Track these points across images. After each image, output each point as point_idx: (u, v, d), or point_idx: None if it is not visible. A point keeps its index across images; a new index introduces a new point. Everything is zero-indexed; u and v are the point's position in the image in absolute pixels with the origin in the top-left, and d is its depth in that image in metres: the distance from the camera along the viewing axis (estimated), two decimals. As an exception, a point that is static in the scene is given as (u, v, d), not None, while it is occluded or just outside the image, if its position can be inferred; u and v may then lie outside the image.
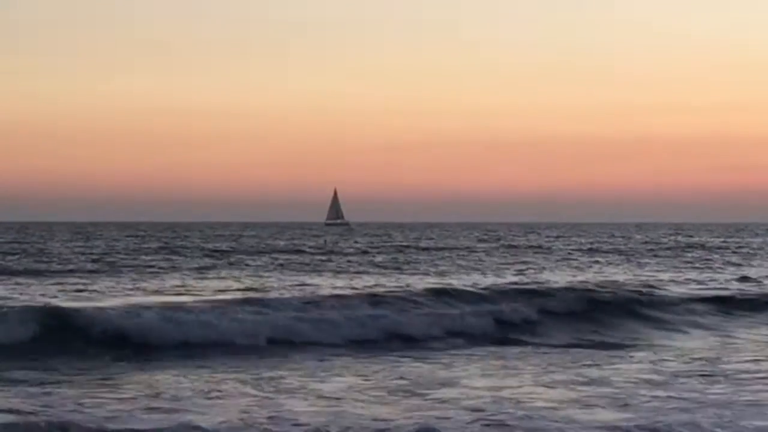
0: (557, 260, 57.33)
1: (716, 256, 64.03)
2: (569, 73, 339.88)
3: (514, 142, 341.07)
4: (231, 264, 51.80)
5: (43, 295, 30.79)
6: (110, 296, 30.77)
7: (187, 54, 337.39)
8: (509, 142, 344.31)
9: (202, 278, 40.04)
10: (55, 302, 26.97)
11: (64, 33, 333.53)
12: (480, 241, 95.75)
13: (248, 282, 37.69)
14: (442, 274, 44.26)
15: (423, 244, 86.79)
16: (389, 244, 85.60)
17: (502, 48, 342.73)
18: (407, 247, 78.23)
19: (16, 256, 57.03)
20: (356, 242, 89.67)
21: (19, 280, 37.69)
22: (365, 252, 68.19)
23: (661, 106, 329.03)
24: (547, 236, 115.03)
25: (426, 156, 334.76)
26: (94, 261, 52.75)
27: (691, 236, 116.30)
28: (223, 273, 43.81)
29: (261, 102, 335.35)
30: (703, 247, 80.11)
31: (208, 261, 54.41)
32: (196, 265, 49.63)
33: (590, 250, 73.15)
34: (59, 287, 34.37)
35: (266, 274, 43.65)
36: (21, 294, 31.13)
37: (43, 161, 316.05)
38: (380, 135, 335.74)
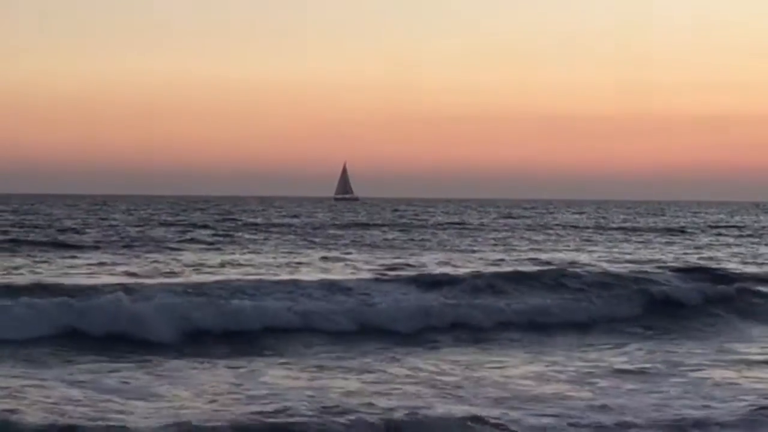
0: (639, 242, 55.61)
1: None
2: (578, 51, 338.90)
3: (526, 118, 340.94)
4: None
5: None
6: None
7: (200, 31, 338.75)
8: (522, 119, 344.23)
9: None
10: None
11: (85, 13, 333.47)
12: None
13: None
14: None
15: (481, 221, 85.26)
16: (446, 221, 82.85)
17: (511, 26, 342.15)
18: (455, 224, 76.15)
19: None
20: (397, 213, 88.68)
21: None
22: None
23: (681, 85, 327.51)
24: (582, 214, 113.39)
25: (436, 131, 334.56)
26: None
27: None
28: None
29: (272, 76, 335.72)
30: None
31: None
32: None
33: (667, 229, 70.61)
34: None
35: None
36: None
37: (64, 134, 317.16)
38: (390, 110, 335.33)
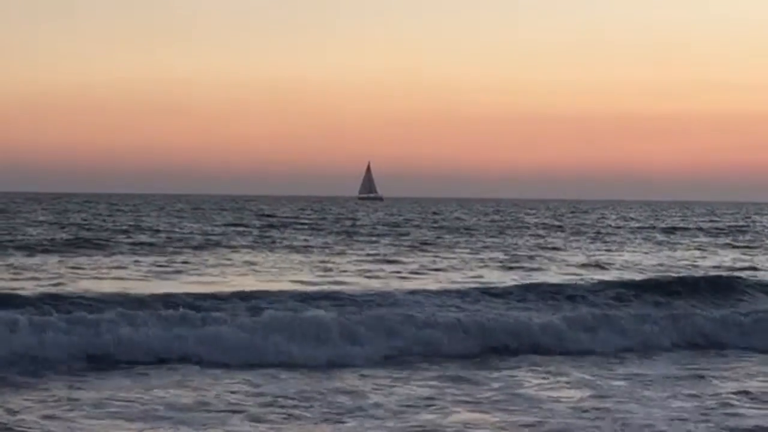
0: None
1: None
2: (609, 50, 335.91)
3: (553, 118, 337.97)
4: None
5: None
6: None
7: (226, 29, 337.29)
8: (550, 119, 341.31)
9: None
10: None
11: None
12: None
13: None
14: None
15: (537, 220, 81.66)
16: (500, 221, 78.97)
17: (547, 25, 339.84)
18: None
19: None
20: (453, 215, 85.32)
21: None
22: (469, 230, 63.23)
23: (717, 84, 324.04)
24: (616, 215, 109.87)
25: (460, 130, 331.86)
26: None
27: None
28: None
29: (295, 75, 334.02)
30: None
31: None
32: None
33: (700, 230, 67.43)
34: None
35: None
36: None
37: (91, 133, 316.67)
38: (414, 109, 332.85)
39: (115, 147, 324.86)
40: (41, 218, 65.66)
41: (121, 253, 35.45)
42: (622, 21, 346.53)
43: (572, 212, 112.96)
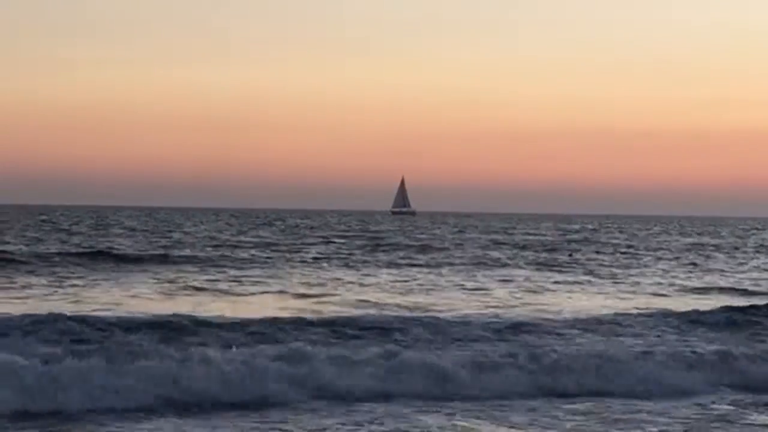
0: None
1: None
2: (645, 69, 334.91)
3: (586, 133, 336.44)
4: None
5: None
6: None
7: (256, 45, 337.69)
8: (582, 134, 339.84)
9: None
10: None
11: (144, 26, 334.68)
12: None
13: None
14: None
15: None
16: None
17: (580, 42, 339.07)
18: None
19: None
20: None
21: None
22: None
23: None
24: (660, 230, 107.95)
25: (494, 146, 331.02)
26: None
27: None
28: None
29: (331, 91, 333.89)
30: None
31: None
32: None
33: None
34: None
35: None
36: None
37: (117, 147, 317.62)
38: (448, 125, 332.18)
39: (150, 161, 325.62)
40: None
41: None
42: (656, 40, 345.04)
43: (620, 230, 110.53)
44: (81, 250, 44.65)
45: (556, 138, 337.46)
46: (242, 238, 65.65)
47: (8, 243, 49.38)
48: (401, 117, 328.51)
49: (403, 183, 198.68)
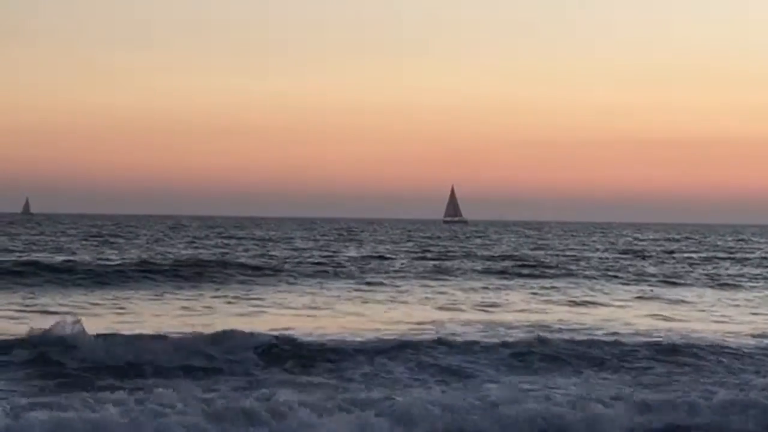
0: None
1: None
2: (698, 73, 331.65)
3: (635, 140, 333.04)
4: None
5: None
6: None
7: (310, 53, 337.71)
8: (631, 141, 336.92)
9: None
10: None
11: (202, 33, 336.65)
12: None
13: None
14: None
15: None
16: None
17: (635, 48, 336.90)
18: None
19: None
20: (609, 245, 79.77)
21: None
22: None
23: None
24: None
25: (543, 154, 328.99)
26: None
27: None
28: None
29: (380, 100, 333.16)
30: None
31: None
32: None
33: None
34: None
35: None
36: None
37: (176, 155, 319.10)
38: (498, 132, 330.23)
39: (196, 170, 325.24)
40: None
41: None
42: (716, 45, 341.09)
43: (684, 237, 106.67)
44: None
45: (610, 145, 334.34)
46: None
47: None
48: (452, 126, 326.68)
49: (453, 192, 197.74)
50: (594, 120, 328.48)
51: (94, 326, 18.40)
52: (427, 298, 29.34)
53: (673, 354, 17.91)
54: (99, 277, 31.94)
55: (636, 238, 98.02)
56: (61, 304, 24.82)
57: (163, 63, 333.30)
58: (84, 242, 62.35)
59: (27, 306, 24.48)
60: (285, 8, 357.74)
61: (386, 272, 39.11)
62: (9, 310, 23.45)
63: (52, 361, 15.64)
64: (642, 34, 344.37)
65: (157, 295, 27.70)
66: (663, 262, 52.68)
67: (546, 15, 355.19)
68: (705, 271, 45.46)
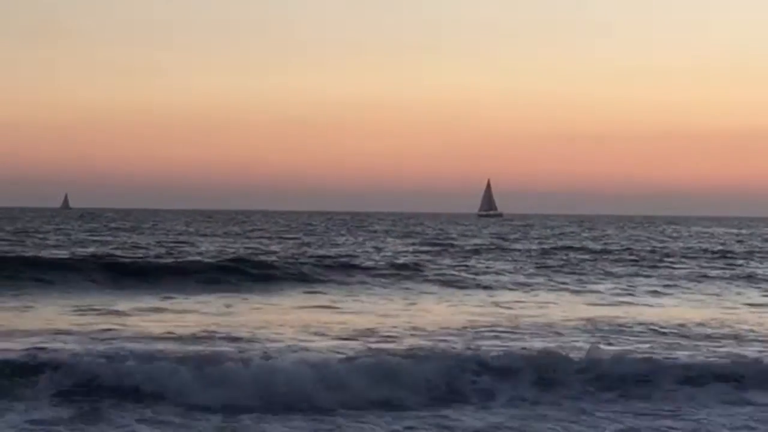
0: None
1: None
2: (734, 70, 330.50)
3: (679, 135, 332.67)
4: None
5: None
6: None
7: (339, 51, 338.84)
8: (670, 136, 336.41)
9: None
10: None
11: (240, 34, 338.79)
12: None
13: None
14: None
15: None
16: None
17: (674, 45, 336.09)
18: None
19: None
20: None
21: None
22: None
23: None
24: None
25: (580, 148, 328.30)
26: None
27: None
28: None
29: (416, 94, 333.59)
30: None
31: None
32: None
33: None
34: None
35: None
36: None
37: (217, 150, 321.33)
38: (535, 126, 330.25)
39: (238, 165, 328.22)
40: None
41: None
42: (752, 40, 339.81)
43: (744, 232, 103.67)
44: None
45: (645, 140, 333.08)
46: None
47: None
48: (488, 119, 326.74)
49: (489, 186, 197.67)
50: (635, 114, 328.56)
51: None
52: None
53: None
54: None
55: (710, 234, 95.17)
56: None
57: (199, 61, 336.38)
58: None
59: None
60: (308, 7, 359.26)
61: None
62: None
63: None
64: (685, 31, 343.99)
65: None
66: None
67: (580, 12, 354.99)
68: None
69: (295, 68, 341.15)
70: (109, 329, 18.84)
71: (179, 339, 17.63)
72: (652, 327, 21.19)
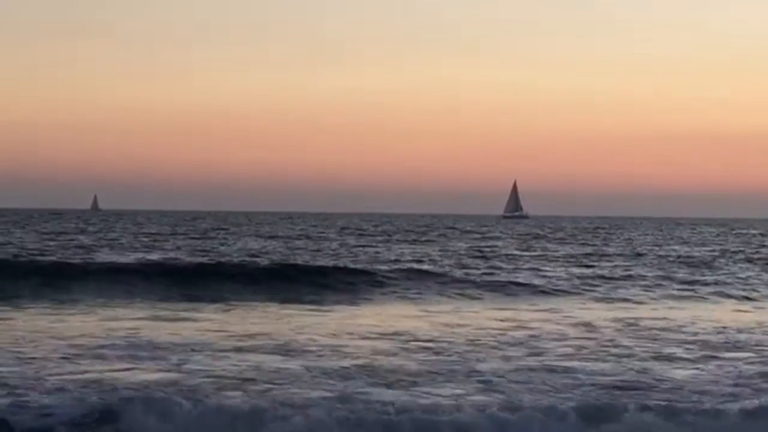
0: None
1: None
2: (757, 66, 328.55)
3: (702, 136, 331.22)
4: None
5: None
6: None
7: (370, 51, 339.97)
8: (698, 137, 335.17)
9: None
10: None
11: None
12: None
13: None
14: None
15: None
16: None
17: (698, 43, 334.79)
18: None
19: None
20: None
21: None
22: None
23: None
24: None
25: (610, 149, 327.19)
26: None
27: None
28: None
29: (440, 93, 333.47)
30: None
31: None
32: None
33: None
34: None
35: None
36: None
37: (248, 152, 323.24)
38: (562, 128, 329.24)
39: (275, 165, 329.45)
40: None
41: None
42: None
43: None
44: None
45: (674, 140, 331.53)
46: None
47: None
48: (514, 120, 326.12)
49: (515, 187, 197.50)
50: (663, 115, 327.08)
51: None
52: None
53: None
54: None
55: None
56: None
57: (235, 60, 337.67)
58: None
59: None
60: (352, 7, 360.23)
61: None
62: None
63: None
64: (717, 29, 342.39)
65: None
66: None
67: (613, 9, 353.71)
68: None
69: (320, 67, 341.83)
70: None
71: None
72: None
